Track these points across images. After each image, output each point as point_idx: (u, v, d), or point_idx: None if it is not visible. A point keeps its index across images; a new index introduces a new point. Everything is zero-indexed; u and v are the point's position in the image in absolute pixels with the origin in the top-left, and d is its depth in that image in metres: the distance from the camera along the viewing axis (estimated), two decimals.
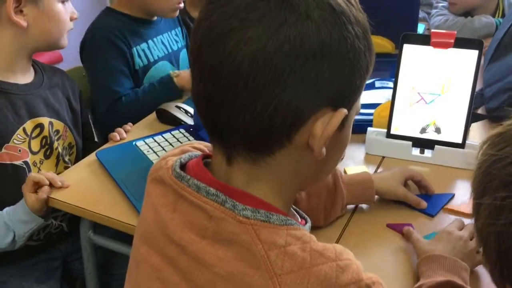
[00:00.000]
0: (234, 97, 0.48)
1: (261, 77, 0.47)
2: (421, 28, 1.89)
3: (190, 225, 0.52)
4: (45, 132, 1.17)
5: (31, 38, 1.12)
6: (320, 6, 0.48)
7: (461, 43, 1.05)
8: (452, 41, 1.04)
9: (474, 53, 1.04)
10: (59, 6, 1.14)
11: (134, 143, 1.19)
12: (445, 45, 1.05)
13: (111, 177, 1.07)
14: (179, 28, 1.64)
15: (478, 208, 0.49)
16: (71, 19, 1.19)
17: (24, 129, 1.13)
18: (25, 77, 1.17)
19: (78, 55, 1.48)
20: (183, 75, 1.43)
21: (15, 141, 1.11)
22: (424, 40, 1.07)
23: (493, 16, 1.87)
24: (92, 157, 1.16)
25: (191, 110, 1.33)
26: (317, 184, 0.84)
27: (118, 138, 1.23)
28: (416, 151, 1.13)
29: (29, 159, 1.13)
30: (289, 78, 0.47)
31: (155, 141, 1.20)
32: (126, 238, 0.97)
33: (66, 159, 1.23)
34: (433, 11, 2.00)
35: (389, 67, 1.60)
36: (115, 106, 1.39)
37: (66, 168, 1.21)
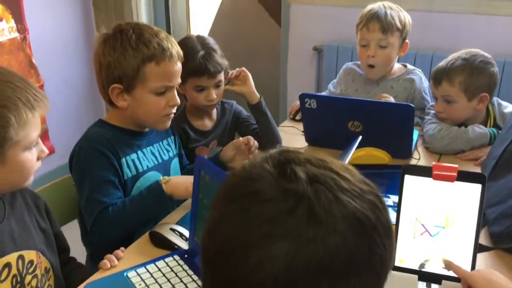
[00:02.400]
0: None
1: None
2: (415, 134, 1.90)
3: None
4: (14, 271, 1.08)
5: None
6: (347, 219, 0.46)
7: (464, 176, 1.03)
8: (454, 174, 1.03)
9: (477, 187, 1.02)
10: (24, 155, 1.07)
11: (125, 273, 1.13)
12: (447, 178, 1.04)
13: None
14: (172, 137, 1.63)
15: None
16: (39, 159, 1.13)
17: None
18: None
19: (68, 147, 1.43)
20: (173, 181, 1.37)
21: None
22: (425, 172, 1.05)
23: (485, 125, 1.89)
24: None
25: (186, 233, 1.28)
26: None
27: (109, 266, 1.17)
28: (422, 285, 1.07)
29: None
30: None
31: (148, 270, 1.14)
32: None
33: (46, 287, 1.14)
34: (426, 117, 2.02)
35: (385, 180, 1.59)
36: (101, 217, 1.32)
37: None
